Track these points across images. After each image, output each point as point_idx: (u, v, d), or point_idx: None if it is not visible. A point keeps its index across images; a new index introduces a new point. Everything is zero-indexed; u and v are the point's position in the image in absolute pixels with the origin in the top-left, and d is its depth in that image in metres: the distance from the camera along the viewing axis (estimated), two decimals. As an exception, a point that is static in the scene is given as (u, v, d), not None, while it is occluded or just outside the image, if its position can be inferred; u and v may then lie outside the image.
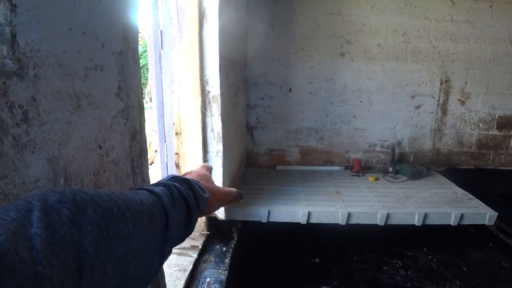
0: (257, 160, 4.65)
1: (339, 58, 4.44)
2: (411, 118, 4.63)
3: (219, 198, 0.80)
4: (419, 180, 4.26)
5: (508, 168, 4.97)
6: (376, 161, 4.72)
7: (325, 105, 4.52)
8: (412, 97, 4.58)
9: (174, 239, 0.62)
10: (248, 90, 4.45)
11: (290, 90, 4.47)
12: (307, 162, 4.67)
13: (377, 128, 4.63)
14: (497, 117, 4.80)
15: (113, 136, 0.92)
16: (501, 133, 4.84)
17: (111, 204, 0.48)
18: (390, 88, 4.54)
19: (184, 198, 0.66)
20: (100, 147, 0.85)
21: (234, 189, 0.86)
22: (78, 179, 0.75)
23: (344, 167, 4.61)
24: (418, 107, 4.61)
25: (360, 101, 4.53)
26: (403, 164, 4.46)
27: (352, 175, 4.34)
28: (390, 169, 4.41)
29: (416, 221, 3.38)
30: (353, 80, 4.49)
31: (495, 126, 4.83)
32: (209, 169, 0.89)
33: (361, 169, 4.39)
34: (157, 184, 0.67)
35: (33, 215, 0.39)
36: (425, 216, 3.39)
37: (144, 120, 1.13)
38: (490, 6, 4.48)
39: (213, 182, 0.84)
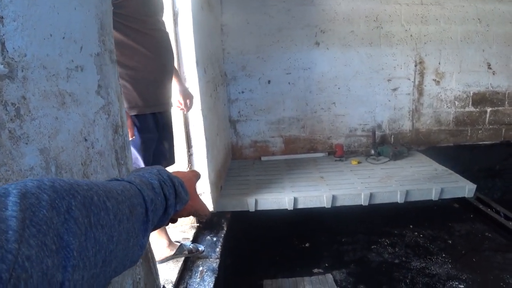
0: (242, 153, 4.74)
1: (314, 47, 4.54)
2: (389, 100, 4.76)
3: (196, 206, 0.80)
4: (401, 160, 4.39)
5: (486, 142, 5.12)
6: (358, 145, 4.84)
7: (305, 94, 4.62)
8: (388, 80, 4.70)
9: (151, 232, 0.64)
10: (228, 84, 4.53)
11: (269, 82, 4.55)
12: (291, 151, 4.77)
13: (356, 113, 4.74)
14: (471, 94, 4.94)
15: (97, 130, 1.00)
16: (477, 109, 4.99)
17: (91, 193, 0.48)
18: (366, 73, 4.65)
19: (165, 195, 0.66)
20: (86, 140, 0.93)
21: (206, 206, 0.88)
22: (68, 167, 0.83)
23: (327, 153, 4.73)
24: (395, 89, 4.73)
25: (338, 88, 4.64)
26: (384, 146, 4.59)
27: (336, 160, 4.46)
28: (372, 151, 4.53)
29: (399, 198, 3.50)
30: (330, 68, 4.59)
31: (470, 103, 4.97)
32: (197, 176, 0.88)
33: (343, 153, 4.50)
34: (143, 174, 0.67)
35: (8, 200, 0.39)
36: (407, 193, 3.51)
37: (124, 115, 1.21)
38: (458, -13, 4.61)
39: (195, 189, 0.83)
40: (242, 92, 4.57)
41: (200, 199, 0.83)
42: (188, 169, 2.94)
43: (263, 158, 4.66)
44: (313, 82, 4.61)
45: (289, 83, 4.58)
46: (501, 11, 4.73)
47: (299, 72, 4.57)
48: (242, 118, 4.64)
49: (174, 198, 0.68)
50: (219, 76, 4.03)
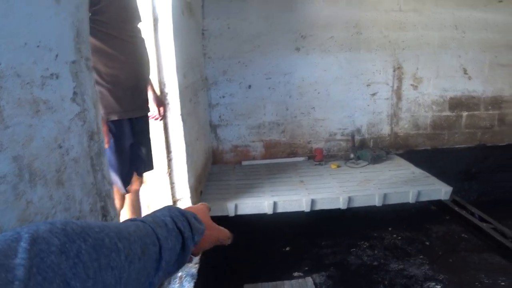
0: (222, 157, 4.74)
1: (295, 52, 4.58)
2: (368, 105, 4.83)
3: (215, 233, 0.80)
4: (379, 164, 4.46)
5: (462, 146, 5.25)
6: (337, 149, 4.89)
7: (285, 99, 4.66)
8: (368, 85, 4.77)
9: (167, 269, 0.62)
10: (209, 89, 4.53)
11: (249, 86, 4.57)
12: (272, 155, 4.78)
13: (336, 117, 4.80)
14: (448, 98, 5.06)
15: (72, 136, 1.01)
16: (453, 113, 5.11)
17: (102, 235, 0.48)
18: (346, 78, 4.71)
19: (179, 229, 0.65)
20: (60, 147, 0.94)
21: (226, 230, 0.85)
22: (42, 174, 0.84)
23: (307, 157, 4.76)
24: (374, 94, 4.81)
25: (318, 93, 4.68)
26: (363, 150, 4.64)
27: (315, 164, 4.50)
28: (351, 155, 4.58)
29: (377, 201, 3.56)
30: (310, 73, 4.64)
31: (447, 107, 5.09)
32: (208, 207, 0.87)
33: (323, 158, 4.54)
34: (154, 214, 0.67)
35: (19, 246, 0.39)
36: (385, 196, 3.58)
37: (100, 122, 1.22)
38: (435, -5, 4.74)
39: (209, 218, 0.82)
40: (223, 96, 4.58)
41: (217, 227, 0.83)
42: (168, 174, 2.95)
43: (243, 163, 4.67)
44: (293, 87, 4.64)
45: (269, 88, 4.61)
46: (477, 18, 4.86)
47: (280, 77, 4.60)
48: (223, 122, 4.64)
49: (189, 231, 0.68)
50: (200, 81, 4.04)
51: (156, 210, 0.71)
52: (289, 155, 4.82)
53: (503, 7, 4.98)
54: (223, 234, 0.83)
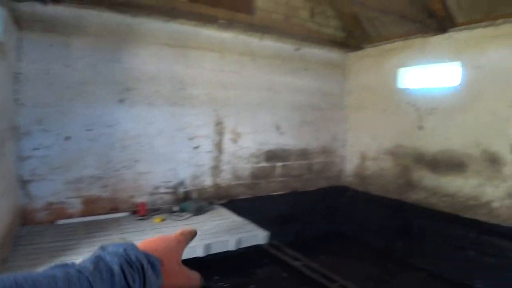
0: (34, 216, 4.15)
1: (119, 104, 4.51)
2: (191, 158, 4.99)
3: (179, 282, 0.67)
4: (203, 215, 4.59)
5: (278, 192, 5.88)
6: (161, 203, 4.84)
7: (107, 151, 4.46)
8: (190, 138, 4.95)
9: None
10: (20, 139, 4.00)
11: (68, 138, 4.22)
12: (91, 212, 4.41)
13: (160, 170, 4.81)
14: (264, 151, 5.64)
15: None
16: (269, 164, 5.69)
17: None
18: (170, 132, 4.82)
19: (128, 284, 0.55)
20: None
21: (196, 275, 0.71)
22: None
23: (130, 212, 4.57)
24: (196, 147, 5.00)
25: (142, 146, 4.65)
26: (187, 202, 4.72)
27: (138, 219, 4.34)
28: (175, 208, 4.61)
29: (201, 252, 3.63)
30: (134, 125, 4.61)
31: (264, 159, 5.62)
32: (185, 239, 0.74)
33: (147, 212, 4.44)
34: (104, 256, 0.56)
35: None
36: (208, 246, 3.69)
37: None
38: (253, 60, 5.29)
39: (178, 261, 0.70)
40: (37, 148, 4.11)
41: (183, 271, 0.69)
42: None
43: (59, 222, 4.20)
44: (116, 140, 4.51)
45: (90, 139, 4.36)
46: (288, 82, 5.73)
47: (102, 128, 4.42)
48: (36, 177, 4.12)
49: (140, 285, 0.56)
50: (7, 130, 3.60)
51: (109, 246, 0.59)
52: (111, 210, 4.54)
53: (306, 74, 5.83)
54: (189, 283, 0.69)
